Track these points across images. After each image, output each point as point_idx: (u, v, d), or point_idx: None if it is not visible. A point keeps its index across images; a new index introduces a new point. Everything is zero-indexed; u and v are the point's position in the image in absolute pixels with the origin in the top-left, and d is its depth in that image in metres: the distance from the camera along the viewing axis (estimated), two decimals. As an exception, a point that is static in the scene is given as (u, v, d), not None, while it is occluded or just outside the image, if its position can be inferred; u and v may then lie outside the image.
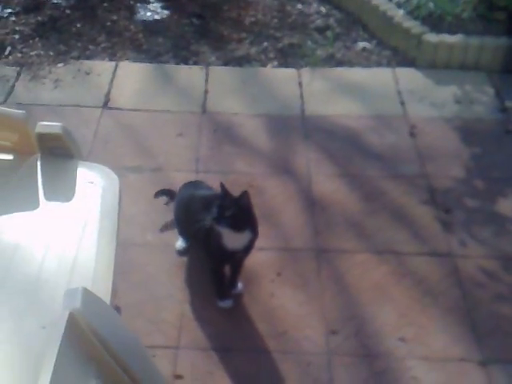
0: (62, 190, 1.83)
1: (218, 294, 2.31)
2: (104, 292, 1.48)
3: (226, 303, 2.30)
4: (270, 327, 2.23)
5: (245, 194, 2.08)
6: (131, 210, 2.63)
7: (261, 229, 2.62)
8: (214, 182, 2.76)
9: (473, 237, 2.57)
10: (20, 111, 1.87)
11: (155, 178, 2.82)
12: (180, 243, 2.51)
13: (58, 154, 1.90)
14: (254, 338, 2.21)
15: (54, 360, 1.07)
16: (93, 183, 1.86)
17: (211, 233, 2.15)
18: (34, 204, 1.77)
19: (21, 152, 1.91)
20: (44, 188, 1.83)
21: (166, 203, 2.66)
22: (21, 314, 1.45)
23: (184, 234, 2.50)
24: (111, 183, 1.86)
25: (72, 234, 1.69)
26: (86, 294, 1.23)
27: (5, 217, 1.74)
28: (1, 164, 1.90)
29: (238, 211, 2.07)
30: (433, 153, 2.99)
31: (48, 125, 1.86)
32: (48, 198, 1.80)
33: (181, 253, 2.51)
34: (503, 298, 2.35)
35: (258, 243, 2.49)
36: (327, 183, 2.84)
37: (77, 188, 1.83)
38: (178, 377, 2.08)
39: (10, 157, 1.91)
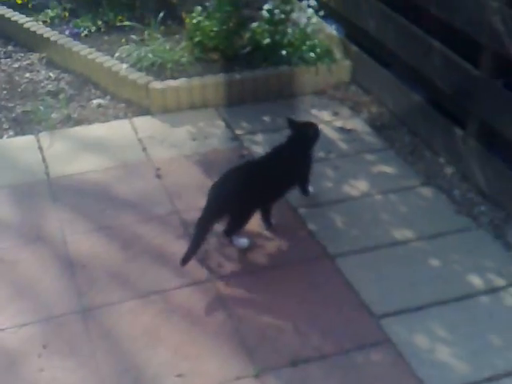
0: None
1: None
2: None
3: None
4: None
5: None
6: None
7: (19, 305, 2.37)
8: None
9: (227, 258, 2.57)
10: None
11: None
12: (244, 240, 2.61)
13: None
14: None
15: None
16: None
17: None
18: None
19: None
20: None
21: None
22: None
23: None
24: None
25: None
26: None
27: None
28: None
29: None
30: (179, 189, 2.97)
31: None
32: None
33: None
34: (265, 307, 2.37)
35: (20, 320, 2.25)
36: (83, 241, 2.65)
37: None
38: None
39: None
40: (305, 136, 2.78)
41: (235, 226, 2.58)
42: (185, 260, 2.42)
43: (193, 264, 2.53)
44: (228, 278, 2.48)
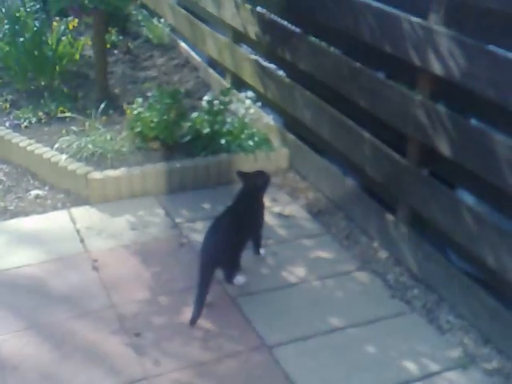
0: None
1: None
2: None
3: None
4: None
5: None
6: None
7: None
8: None
9: (164, 353, 2.51)
10: None
11: None
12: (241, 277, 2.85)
13: None
14: None
15: None
16: None
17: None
18: None
19: None
20: None
21: None
22: None
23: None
24: None
25: None
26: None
27: None
28: None
29: None
30: (117, 282, 2.92)
31: None
32: None
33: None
34: (201, 404, 2.31)
35: None
36: (15, 340, 2.56)
37: None
38: None
39: None
40: (256, 184, 2.99)
41: (232, 272, 2.81)
42: (193, 320, 2.62)
43: (128, 361, 2.47)
44: (164, 375, 2.41)
